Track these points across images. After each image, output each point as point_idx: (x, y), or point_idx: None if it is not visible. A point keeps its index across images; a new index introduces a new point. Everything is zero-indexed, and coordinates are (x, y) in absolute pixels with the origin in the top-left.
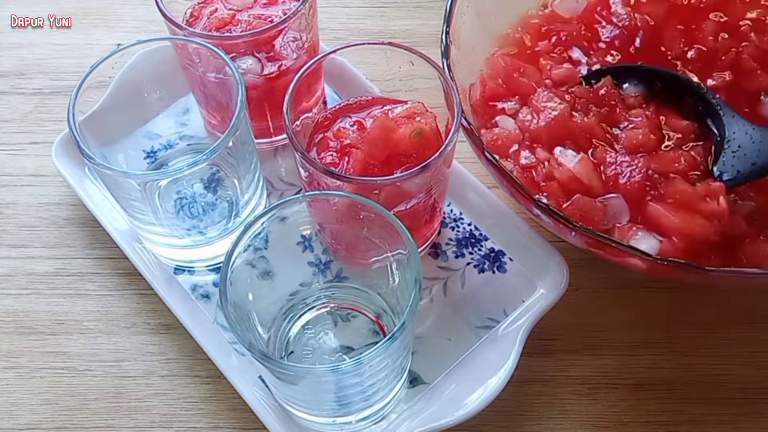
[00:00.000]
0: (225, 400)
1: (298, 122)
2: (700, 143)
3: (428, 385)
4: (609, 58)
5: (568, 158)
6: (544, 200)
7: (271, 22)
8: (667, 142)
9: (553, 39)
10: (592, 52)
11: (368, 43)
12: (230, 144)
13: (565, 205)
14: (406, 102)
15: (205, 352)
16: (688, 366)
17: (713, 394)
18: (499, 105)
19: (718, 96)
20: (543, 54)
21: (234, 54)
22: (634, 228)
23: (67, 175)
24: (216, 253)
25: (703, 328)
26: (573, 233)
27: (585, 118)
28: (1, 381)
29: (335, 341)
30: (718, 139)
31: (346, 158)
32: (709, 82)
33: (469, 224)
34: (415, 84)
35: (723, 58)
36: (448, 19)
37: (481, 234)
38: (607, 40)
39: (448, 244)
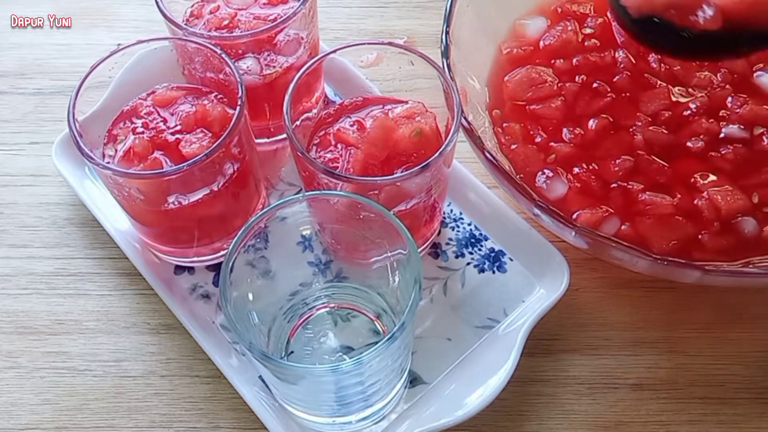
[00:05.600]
0: (225, 400)
1: (298, 122)
2: None
3: (428, 385)
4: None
5: None
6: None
7: (271, 22)
8: None
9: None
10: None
11: (368, 43)
12: (230, 143)
13: None
14: (406, 102)
15: (205, 352)
16: (688, 366)
17: (713, 394)
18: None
19: None
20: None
21: (234, 54)
22: None
23: (67, 175)
24: (216, 253)
25: (703, 328)
26: (573, 233)
27: None
28: (1, 381)
29: (335, 341)
30: None
31: (346, 158)
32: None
33: (469, 224)
34: (415, 84)
35: None
36: (448, 19)
37: (481, 234)
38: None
39: (448, 244)
